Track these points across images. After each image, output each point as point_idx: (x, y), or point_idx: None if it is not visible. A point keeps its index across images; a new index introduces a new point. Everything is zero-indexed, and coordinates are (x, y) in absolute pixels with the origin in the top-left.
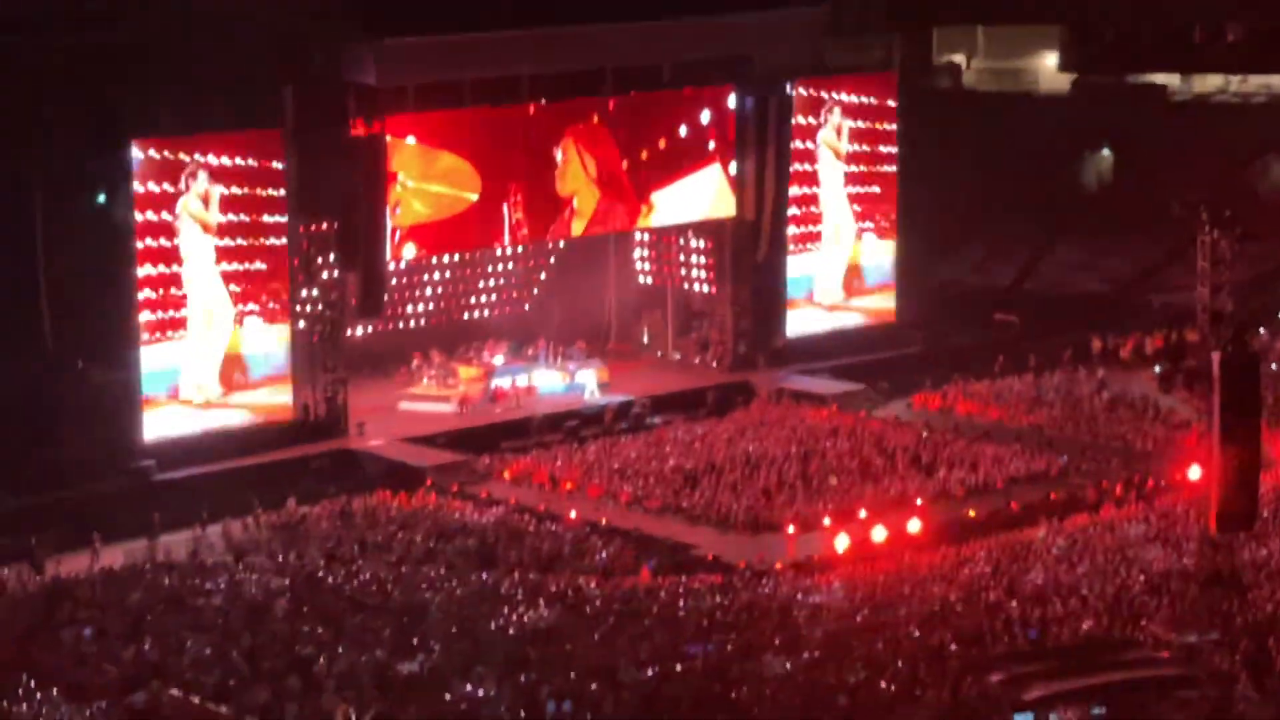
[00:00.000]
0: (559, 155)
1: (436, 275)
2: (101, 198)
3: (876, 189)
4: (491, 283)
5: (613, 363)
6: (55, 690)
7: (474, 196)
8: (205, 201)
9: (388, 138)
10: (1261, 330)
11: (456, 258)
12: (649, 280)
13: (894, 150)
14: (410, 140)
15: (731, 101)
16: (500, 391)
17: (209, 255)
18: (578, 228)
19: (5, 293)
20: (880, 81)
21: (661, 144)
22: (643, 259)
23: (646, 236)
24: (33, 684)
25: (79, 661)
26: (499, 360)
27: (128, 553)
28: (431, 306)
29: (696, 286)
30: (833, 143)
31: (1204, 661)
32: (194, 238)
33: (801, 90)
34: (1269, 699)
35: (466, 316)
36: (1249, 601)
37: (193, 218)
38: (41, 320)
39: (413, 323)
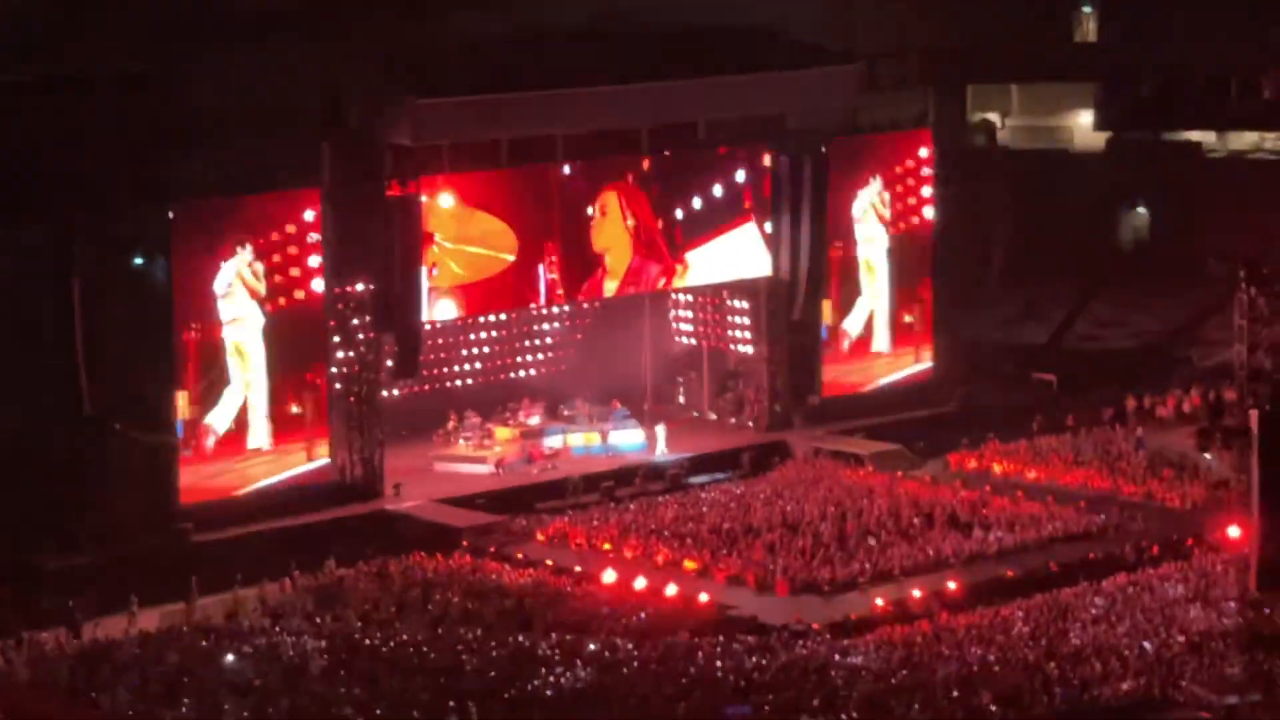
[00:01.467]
0: (598, 208)
1: (472, 336)
2: (140, 258)
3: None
4: (528, 343)
5: (650, 424)
6: None
7: (511, 257)
8: (254, 270)
9: (424, 198)
10: None
11: (493, 318)
12: (685, 340)
13: (929, 207)
14: (446, 200)
15: (766, 160)
16: (536, 452)
17: (258, 321)
18: (610, 288)
19: (44, 353)
20: (915, 139)
21: (696, 203)
22: (678, 319)
23: (683, 296)
24: None
25: None
26: (535, 421)
27: (165, 615)
28: (467, 367)
29: (732, 346)
30: (879, 207)
31: None
32: (244, 304)
33: (836, 148)
34: None
35: (503, 377)
36: None
37: (244, 285)
38: (79, 381)
39: (449, 383)
